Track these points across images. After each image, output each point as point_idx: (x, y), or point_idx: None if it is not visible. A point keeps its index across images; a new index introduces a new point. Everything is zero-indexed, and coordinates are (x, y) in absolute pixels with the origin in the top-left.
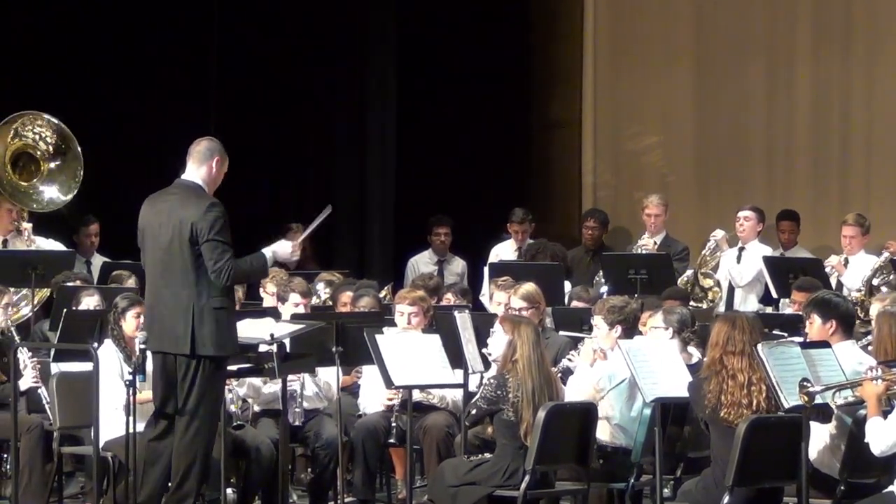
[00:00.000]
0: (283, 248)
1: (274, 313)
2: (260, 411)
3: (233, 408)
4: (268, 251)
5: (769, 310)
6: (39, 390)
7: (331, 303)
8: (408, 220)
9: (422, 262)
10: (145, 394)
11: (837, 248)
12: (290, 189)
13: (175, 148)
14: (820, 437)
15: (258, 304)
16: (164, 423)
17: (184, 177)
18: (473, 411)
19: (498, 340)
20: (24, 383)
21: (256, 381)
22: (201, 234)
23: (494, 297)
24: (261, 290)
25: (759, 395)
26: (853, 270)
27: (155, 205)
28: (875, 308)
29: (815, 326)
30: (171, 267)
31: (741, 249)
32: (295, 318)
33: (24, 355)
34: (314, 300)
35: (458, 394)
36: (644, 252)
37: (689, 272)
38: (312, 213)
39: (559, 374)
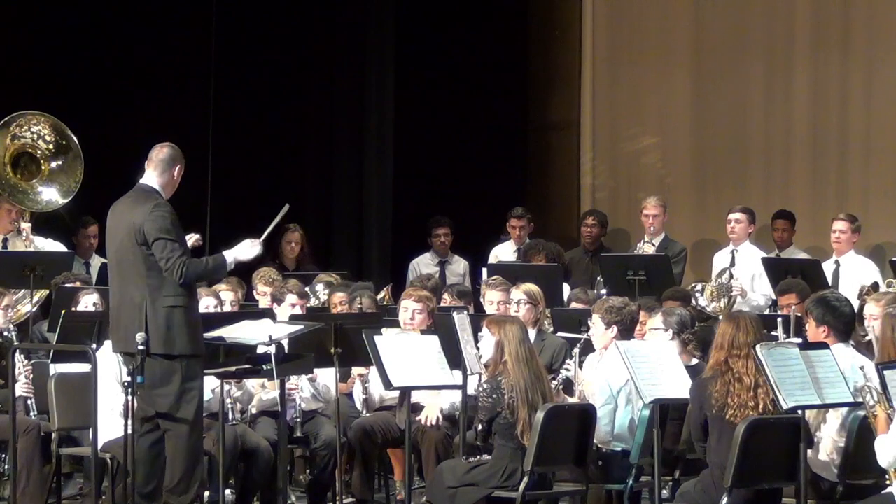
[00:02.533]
0: (243, 250)
1: (270, 314)
2: (258, 412)
3: (230, 415)
4: (228, 254)
5: (766, 311)
6: (29, 401)
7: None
8: (406, 222)
9: (423, 264)
10: None
11: (832, 249)
12: (288, 190)
13: None
14: (818, 438)
15: (256, 304)
16: (146, 426)
17: (142, 181)
18: (479, 427)
19: (488, 343)
20: (16, 390)
21: (251, 389)
22: (149, 235)
23: (487, 297)
24: (254, 292)
25: (765, 397)
26: (845, 276)
27: (114, 209)
28: (870, 308)
29: (811, 329)
30: (125, 268)
31: (734, 251)
32: (293, 319)
33: (19, 362)
34: (313, 302)
35: (456, 395)
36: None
37: (699, 288)
38: (312, 213)
39: (560, 386)
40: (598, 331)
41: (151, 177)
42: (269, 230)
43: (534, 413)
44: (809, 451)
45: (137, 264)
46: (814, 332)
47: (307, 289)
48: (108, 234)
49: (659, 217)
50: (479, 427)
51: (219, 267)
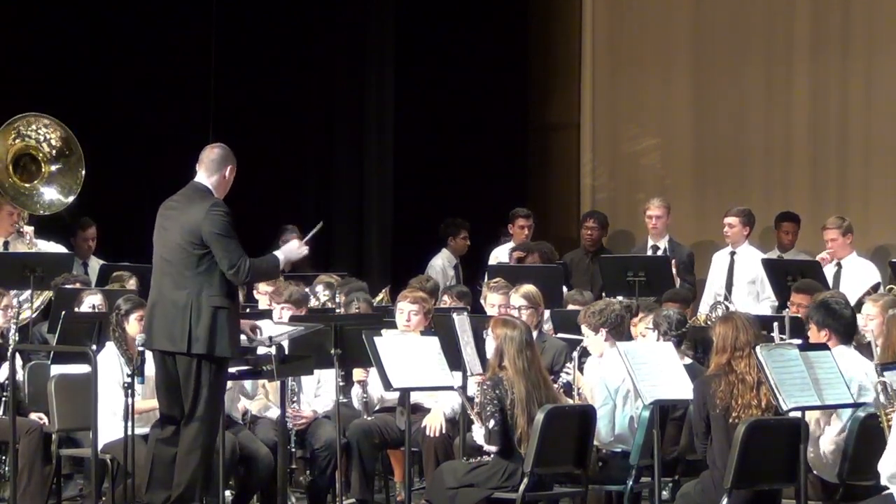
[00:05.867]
0: (292, 250)
1: (269, 315)
2: (258, 413)
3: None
4: (279, 253)
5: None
6: None
7: (330, 305)
8: (406, 222)
9: (440, 265)
10: (146, 403)
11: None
12: (288, 190)
13: (174, 150)
14: (819, 439)
15: (255, 305)
16: (170, 428)
17: (196, 179)
18: (491, 423)
19: (491, 345)
20: None
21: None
22: (208, 234)
23: (488, 300)
24: (254, 291)
25: (767, 393)
26: (847, 278)
27: (167, 207)
28: (868, 308)
29: (813, 334)
30: (174, 266)
31: (732, 253)
32: (293, 320)
33: None
34: (313, 303)
35: (456, 398)
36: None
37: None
38: (311, 214)
39: (561, 389)
40: (590, 339)
41: (203, 177)
42: (308, 237)
43: (531, 423)
44: (810, 452)
45: (187, 263)
46: (815, 337)
47: (307, 290)
48: (158, 232)
49: (662, 218)
50: (492, 423)
51: (274, 266)
